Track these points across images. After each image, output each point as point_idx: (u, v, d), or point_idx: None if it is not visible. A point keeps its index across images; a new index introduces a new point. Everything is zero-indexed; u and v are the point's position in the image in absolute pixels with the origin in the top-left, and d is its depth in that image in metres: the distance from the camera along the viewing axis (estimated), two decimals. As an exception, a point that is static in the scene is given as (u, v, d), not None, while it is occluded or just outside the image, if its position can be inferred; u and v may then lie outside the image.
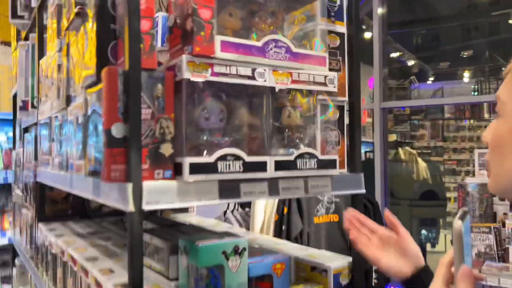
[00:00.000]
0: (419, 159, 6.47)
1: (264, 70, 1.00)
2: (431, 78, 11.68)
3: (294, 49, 1.05)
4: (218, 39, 0.94)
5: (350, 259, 1.19)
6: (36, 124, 1.94)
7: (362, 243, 1.07)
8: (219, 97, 1.00)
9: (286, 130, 1.09)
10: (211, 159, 0.93)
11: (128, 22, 0.86)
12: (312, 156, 1.07)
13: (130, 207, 0.84)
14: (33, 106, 2.06)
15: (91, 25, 1.04)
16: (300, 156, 1.05)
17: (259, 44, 1.00)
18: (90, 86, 1.10)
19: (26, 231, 2.24)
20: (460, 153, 7.50)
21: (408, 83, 9.56)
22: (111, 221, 1.94)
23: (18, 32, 2.67)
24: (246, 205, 3.93)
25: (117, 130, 0.87)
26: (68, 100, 1.39)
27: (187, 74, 0.90)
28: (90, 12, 1.09)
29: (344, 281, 1.15)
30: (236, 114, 1.02)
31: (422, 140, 7.72)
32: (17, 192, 2.63)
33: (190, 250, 0.96)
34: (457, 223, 0.73)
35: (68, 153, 1.32)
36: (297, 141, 1.10)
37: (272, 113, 1.05)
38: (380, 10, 4.39)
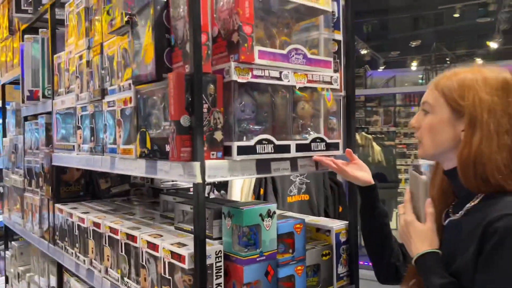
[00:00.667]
0: (374, 144, 6.94)
1: (288, 72, 1.27)
2: (382, 67, 12.31)
3: (309, 55, 1.33)
4: (256, 49, 1.20)
5: (346, 222, 1.50)
6: (50, 113, 2.10)
7: (335, 167, 1.36)
8: (250, 94, 1.26)
9: (300, 120, 1.37)
10: (251, 142, 1.20)
11: (192, 36, 1.10)
12: (322, 140, 1.36)
13: (198, 180, 1.09)
14: (44, 96, 2.21)
15: (145, 33, 1.26)
16: (314, 140, 1.34)
17: (284, 52, 1.27)
18: (140, 83, 1.33)
19: (32, 214, 2.39)
20: (410, 138, 8.09)
21: (363, 71, 10.09)
22: (122, 200, 2.16)
23: (10, 23, 2.76)
24: (222, 188, 4.19)
25: (184, 121, 1.12)
26: (103, 93, 1.59)
27: (234, 77, 1.16)
28: (140, 20, 1.31)
29: (343, 238, 1.46)
30: (264, 107, 1.29)
31: (376, 125, 8.24)
32: (13, 177, 2.74)
33: (234, 214, 1.23)
34: (422, 177, 1.13)
35: (107, 139, 1.54)
36: (308, 128, 1.39)
37: (291, 106, 1.33)
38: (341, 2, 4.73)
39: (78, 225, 1.80)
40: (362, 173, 1.37)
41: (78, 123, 1.79)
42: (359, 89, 9.18)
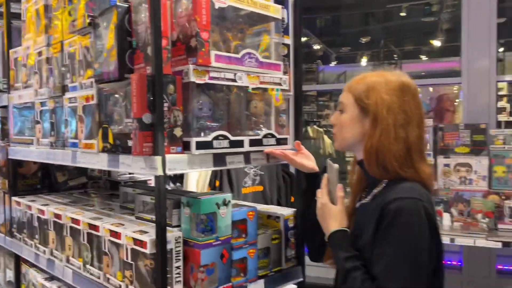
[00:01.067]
0: (325, 136, 7.24)
1: (242, 74, 1.40)
2: (334, 62, 12.67)
3: (261, 59, 1.46)
4: (213, 53, 1.31)
5: (295, 209, 1.65)
6: (5, 106, 2.11)
7: (284, 156, 1.51)
8: (208, 94, 1.38)
9: (253, 117, 1.50)
10: (209, 138, 1.32)
11: (153, 40, 1.20)
12: (272, 135, 1.51)
13: (159, 172, 1.20)
14: (-1, 91, 2.21)
15: (107, 35, 1.34)
16: (265, 136, 1.48)
17: (238, 56, 1.40)
18: (101, 82, 1.41)
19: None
20: (359, 131, 8.46)
21: (315, 66, 10.38)
22: (79, 193, 2.21)
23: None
24: (177, 180, 4.28)
25: (146, 118, 1.22)
26: (64, 89, 1.65)
27: (193, 78, 1.28)
28: (102, 23, 1.39)
29: (291, 224, 1.61)
30: (220, 105, 1.41)
31: (327, 119, 8.56)
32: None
33: (192, 204, 1.34)
34: (335, 165, 1.34)
35: (68, 134, 1.60)
36: (261, 125, 1.52)
37: (244, 105, 1.45)
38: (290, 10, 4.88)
39: (38, 217, 1.84)
40: (308, 162, 1.53)
41: (37, 118, 1.84)
42: (311, 84, 9.49)
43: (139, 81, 1.21)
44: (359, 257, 1.22)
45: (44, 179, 2.25)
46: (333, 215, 1.32)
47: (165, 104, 1.24)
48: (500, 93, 8.53)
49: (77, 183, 2.31)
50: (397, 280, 1.13)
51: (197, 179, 3.84)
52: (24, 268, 2.09)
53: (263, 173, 3.78)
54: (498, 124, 7.88)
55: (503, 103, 8.22)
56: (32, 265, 2.00)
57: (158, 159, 1.20)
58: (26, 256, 1.97)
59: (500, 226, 3.46)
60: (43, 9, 1.75)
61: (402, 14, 11.58)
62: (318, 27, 13.32)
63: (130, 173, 2.59)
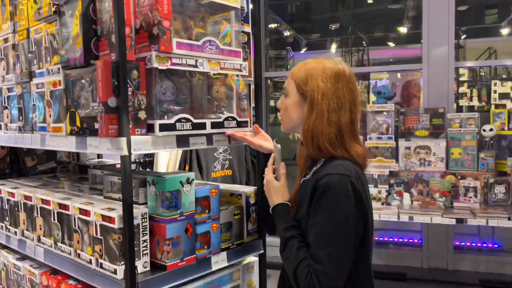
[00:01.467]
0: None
1: (203, 60, 1.49)
2: (304, 48, 12.82)
3: (221, 46, 1.55)
4: (174, 40, 1.40)
5: (255, 187, 1.76)
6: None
7: (243, 138, 1.62)
8: (170, 79, 1.47)
9: (215, 101, 1.60)
10: (172, 121, 1.41)
11: (117, 29, 1.28)
12: (233, 118, 1.61)
13: (125, 152, 1.29)
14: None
15: (73, 23, 1.41)
16: (226, 118, 1.58)
17: (199, 43, 1.49)
18: (67, 68, 1.48)
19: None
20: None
21: (285, 53, 10.49)
22: (49, 177, 2.26)
23: None
24: (147, 166, 4.35)
25: (112, 102, 1.30)
26: (31, 75, 1.70)
27: (155, 64, 1.36)
28: (67, 11, 1.45)
29: (252, 201, 1.73)
30: (183, 90, 1.50)
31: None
32: None
33: (157, 182, 1.44)
34: (278, 146, 1.48)
35: (37, 118, 1.66)
36: (222, 109, 1.62)
37: (206, 89, 1.55)
38: None
39: (8, 200, 1.90)
40: (265, 143, 1.64)
41: (5, 104, 1.88)
42: (281, 70, 9.60)
43: (104, 67, 1.29)
44: (297, 227, 1.35)
45: (13, 164, 2.29)
46: (276, 190, 1.45)
47: (129, 89, 1.32)
48: (462, 78, 8.87)
49: (46, 168, 2.36)
50: (326, 247, 1.25)
51: (166, 165, 3.91)
52: (-5, 250, 2.14)
53: (232, 157, 3.89)
54: (460, 109, 8.21)
55: (464, 89, 8.56)
56: (4, 247, 2.05)
57: (123, 140, 1.29)
58: (-3, 239, 2.02)
59: (455, 204, 3.69)
60: (8, -4, 1.78)
61: (370, 1, 11.80)
62: (289, 14, 13.43)
63: (98, 157, 2.66)
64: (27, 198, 1.78)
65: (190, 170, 3.68)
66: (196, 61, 1.47)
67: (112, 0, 1.30)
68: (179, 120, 1.42)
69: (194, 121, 1.47)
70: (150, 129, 1.38)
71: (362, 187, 1.32)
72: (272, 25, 10.03)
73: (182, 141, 1.45)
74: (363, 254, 1.36)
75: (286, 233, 1.35)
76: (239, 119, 1.63)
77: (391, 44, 12.67)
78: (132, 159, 3.42)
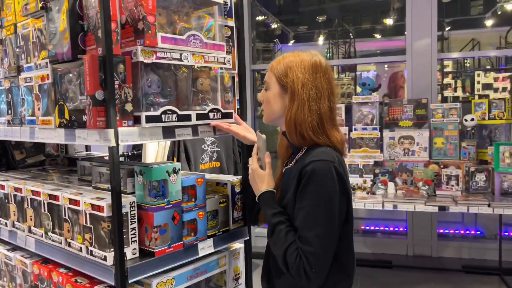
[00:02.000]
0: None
1: (187, 54, 1.54)
2: (292, 41, 12.85)
3: (205, 40, 1.60)
4: (159, 35, 1.45)
5: (240, 176, 1.83)
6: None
7: (228, 129, 1.68)
8: (156, 72, 1.51)
9: (200, 94, 1.65)
10: (158, 112, 1.46)
11: (103, 24, 1.32)
12: (218, 110, 1.66)
13: (113, 143, 1.34)
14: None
15: (60, 18, 1.45)
16: (211, 110, 1.64)
17: (183, 37, 1.53)
18: (55, 62, 1.52)
19: None
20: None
21: (273, 46, 10.51)
22: (38, 170, 2.30)
23: None
24: (136, 158, 4.38)
25: (99, 95, 1.35)
26: (19, 69, 1.74)
27: (141, 58, 1.41)
28: (54, 7, 1.49)
29: (237, 190, 1.79)
30: (168, 83, 1.55)
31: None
32: None
33: (145, 172, 1.49)
34: (263, 136, 1.52)
35: (25, 112, 1.70)
36: (207, 101, 1.68)
37: (191, 82, 1.60)
38: None
39: (-2, 193, 1.94)
40: (249, 134, 1.70)
41: (-7, 97, 1.91)
42: (268, 63, 9.64)
43: (91, 61, 1.33)
44: (284, 212, 1.42)
45: (1, 158, 2.32)
46: (261, 178, 1.50)
47: (116, 82, 1.37)
48: (446, 70, 9.02)
49: (35, 161, 2.39)
50: (314, 228, 1.32)
51: (155, 158, 3.95)
52: (-14, 242, 2.17)
53: (219, 149, 3.94)
54: (445, 100, 8.34)
55: (448, 80, 8.70)
56: (-6, 239, 2.09)
57: (111, 131, 1.34)
58: (-13, 231, 2.06)
59: (438, 192, 3.80)
60: (-6, -8, 1.81)
61: (356, -7, 11.85)
62: (277, 6, 13.44)
63: (87, 150, 2.69)
64: (17, 190, 1.82)
65: (178, 162, 3.72)
66: (181, 54, 1.52)
67: (98, -4, 1.34)
68: (164, 112, 1.48)
69: (180, 113, 1.52)
70: (136, 121, 1.43)
71: (344, 171, 1.39)
72: (260, 18, 10.04)
73: (168, 132, 1.51)
74: (346, 231, 1.43)
75: (274, 219, 1.41)
76: (223, 111, 1.69)
77: (377, 36, 12.76)
78: (120, 152, 3.46)
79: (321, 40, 13.31)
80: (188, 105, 1.59)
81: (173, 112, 1.50)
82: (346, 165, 1.47)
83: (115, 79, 1.37)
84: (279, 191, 1.51)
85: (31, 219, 1.77)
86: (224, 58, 1.67)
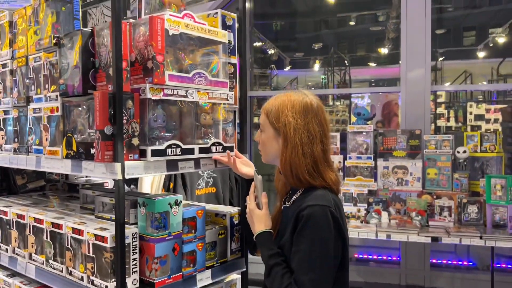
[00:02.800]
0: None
1: (193, 91, 1.61)
2: (288, 67, 13.06)
3: (210, 78, 1.68)
4: (167, 73, 1.52)
5: (239, 208, 1.87)
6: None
7: (229, 163, 1.74)
8: (162, 107, 1.58)
9: (203, 128, 1.72)
10: (162, 146, 1.52)
11: (115, 63, 1.39)
12: (220, 144, 1.73)
13: (119, 177, 1.39)
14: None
15: (73, 55, 1.52)
16: (213, 144, 1.70)
17: (189, 75, 1.61)
18: (66, 95, 1.58)
19: None
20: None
21: (270, 71, 10.69)
22: (38, 195, 2.33)
23: None
24: (132, 182, 4.41)
25: (108, 130, 1.40)
26: (28, 100, 1.80)
27: (149, 95, 1.47)
28: (67, 44, 1.56)
29: (236, 221, 1.84)
30: (173, 117, 1.61)
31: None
32: None
33: (148, 204, 1.54)
34: (259, 176, 1.59)
35: (32, 141, 1.75)
36: (209, 134, 1.74)
37: (195, 117, 1.67)
38: (248, 4, 5.11)
39: (0, 218, 1.96)
40: (248, 169, 1.76)
41: (0, 125, 1.96)
42: (265, 88, 9.80)
43: (102, 98, 1.39)
44: (281, 254, 1.45)
45: (2, 182, 2.35)
46: (259, 218, 1.54)
47: (124, 117, 1.43)
48: (439, 100, 9.19)
49: (35, 186, 2.43)
50: (309, 272, 1.36)
51: (151, 182, 3.98)
52: (-16, 267, 2.19)
53: (216, 175, 3.98)
54: (438, 129, 8.47)
55: (441, 110, 8.86)
56: (-7, 264, 2.10)
57: (118, 165, 1.39)
58: (-13, 255, 2.08)
59: (431, 223, 3.85)
60: (8, 25, 1.88)
61: (351, 23, 12.15)
62: (274, 32, 13.69)
63: (86, 176, 2.73)
64: (20, 216, 1.85)
65: (175, 187, 3.76)
66: (187, 91, 1.59)
67: (111, 36, 1.41)
68: (169, 146, 1.53)
69: (183, 146, 1.58)
70: (142, 154, 1.49)
71: (340, 215, 1.44)
72: (257, 44, 10.23)
73: (171, 165, 1.56)
74: (342, 276, 1.46)
75: (271, 260, 1.44)
76: (225, 144, 1.75)
77: (372, 64, 13.01)
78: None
79: (316, 66, 13.55)
80: (192, 138, 1.65)
81: (177, 146, 1.56)
82: (342, 204, 1.51)
83: (123, 114, 1.43)
84: (277, 230, 1.54)
85: (32, 246, 1.79)
86: (227, 94, 1.75)
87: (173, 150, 1.54)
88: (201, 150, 1.65)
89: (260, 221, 1.54)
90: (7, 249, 1.93)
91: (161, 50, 1.49)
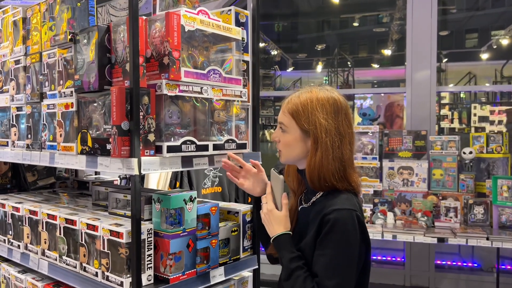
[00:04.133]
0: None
1: (207, 88, 1.61)
2: (291, 68, 13.07)
3: (224, 75, 1.68)
4: (183, 69, 1.52)
5: (250, 205, 1.87)
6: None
7: (233, 178, 1.70)
8: (176, 103, 1.58)
9: (216, 125, 1.72)
10: (178, 143, 1.52)
11: (132, 59, 1.39)
12: (233, 141, 1.73)
13: (136, 172, 1.39)
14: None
15: (88, 50, 1.52)
16: (227, 141, 1.70)
17: (204, 72, 1.61)
18: (81, 91, 1.59)
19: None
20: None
21: (273, 72, 10.70)
22: (49, 192, 2.34)
23: None
24: (138, 181, 4.37)
25: (124, 125, 1.41)
26: (42, 96, 1.80)
27: (165, 91, 1.48)
28: (83, 39, 1.56)
29: (248, 218, 1.84)
30: (187, 114, 1.62)
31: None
32: None
33: (162, 200, 1.54)
34: (280, 177, 1.52)
35: (46, 137, 1.75)
36: (223, 131, 1.74)
37: (209, 114, 1.67)
38: (251, 4, 5.11)
39: (12, 214, 1.97)
40: (259, 189, 1.68)
41: (13, 121, 1.96)
42: (268, 89, 9.81)
43: (119, 93, 1.40)
44: (302, 257, 1.42)
45: (13, 179, 2.35)
46: (279, 220, 1.49)
47: (141, 113, 1.44)
48: (443, 101, 9.19)
49: (45, 183, 2.43)
50: (335, 277, 1.33)
51: (157, 180, 3.98)
52: (-6, 263, 2.19)
53: (221, 174, 3.98)
54: (441, 131, 8.47)
55: (445, 111, 8.86)
56: (5, 260, 2.10)
57: (134, 160, 1.39)
58: (-2, 252, 2.08)
59: (436, 223, 3.85)
60: (22, 21, 1.88)
61: (355, 24, 12.15)
62: (276, 33, 13.71)
63: (96, 174, 2.74)
64: (33, 213, 1.85)
65: (181, 186, 3.76)
66: (201, 88, 1.59)
67: (128, 32, 1.42)
68: (184, 142, 1.54)
69: (198, 143, 1.58)
70: (157, 150, 1.49)
71: (363, 219, 1.41)
72: (260, 44, 10.23)
73: (186, 161, 1.56)
74: (363, 281, 1.45)
75: (292, 264, 1.40)
76: (238, 141, 1.75)
77: (375, 65, 13.01)
78: (122, 174, 3.49)
79: (319, 67, 13.56)
80: (206, 135, 1.65)
81: (192, 142, 1.56)
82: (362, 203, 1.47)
83: (140, 110, 1.43)
84: (294, 232, 1.51)
85: (45, 242, 1.80)
86: (241, 91, 1.75)
87: (188, 147, 1.55)
88: (215, 147, 1.65)
89: (280, 222, 1.49)
90: (19, 245, 1.93)
91: (177, 46, 1.49)
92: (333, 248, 1.35)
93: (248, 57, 1.87)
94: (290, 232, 1.49)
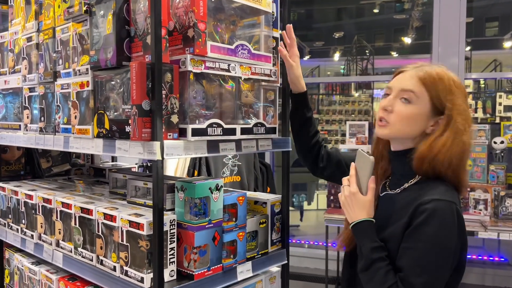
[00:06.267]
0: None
1: (235, 65, 1.46)
2: (308, 56, 12.82)
3: (253, 51, 1.52)
4: (209, 44, 1.37)
5: (280, 196, 1.73)
6: (-11, 92, 2.09)
7: (284, 55, 1.60)
8: (201, 82, 1.43)
9: (244, 107, 1.57)
10: (204, 125, 1.38)
11: (154, 30, 1.25)
12: (262, 125, 1.57)
13: (158, 157, 1.25)
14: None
15: (105, 23, 1.38)
16: (255, 125, 1.55)
17: (232, 47, 1.45)
18: (97, 68, 1.45)
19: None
20: (331, 125, 8.64)
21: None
22: (64, 179, 2.22)
23: None
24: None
25: (145, 105, 1.26)
26: (55, 75, 1.67)
27: (190, 67, 1.33)
28: (99, 11, 1.42)
29: (277, 210, 1.69)
30: (213, 94, 1.47)
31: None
32: None
33: (186, 188, 1.40)
34: (371, 157, 1.31)
35: (60, 120, 1.62)
36: (250, 114, 1.59)
37: (237, 94, 1.52)
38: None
39: (25, 202, 1.85)
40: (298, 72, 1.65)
41: (25, 104, 1.84)
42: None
43: (139, 69, 1.25)
44: (384, 248, 1.26)
45: (27, 166, 2.24)
46: (362, 204, 1.31)
47: (163, 92, 1.29)
48: (467, 90, 8.90)
49: (60, 170, 2.32)
50: (423, 275, 1.17)
51: (175, 169, 3.86)
52: (7, 253, 2.09)
53: (240, 163, 3.85)
54: (464, 120, 8.19)
55: (469, 100, 8.58)
56: (18, 250, 2.00)
57: (157, 144, 1.25)
58: (11, 241, 1.97)
59: (465, 216, 3.65)
60: (33, -5, 1.75)
61: (375, 10, 11.84)
62: (292, 21, 13.44)
63: (113, 160, 2.62)
64: (46, 201, 1.73)
65: (199, 175, 3.64)
66: (229, 65, 1.44)
67: (149, 0, 1.27)
68: (210, 125, 1.39)
69: (225, 126, 1.44)
70: (181, 133, 1.35)
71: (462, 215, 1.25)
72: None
73: (212, 146, 1.42)
74: (454, 280, 1.28)
75: (374, 254, 1.24)
76: (267, 125, 1.60)
77: (394, 54, 12.70)
78: (139, 162, 3.37)
79: (336, 56, 13.28)
80: (232, 118, 1.51)
81: (219, 125, 1.42)
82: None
83: (162, 88, 1.29)
84: (375, 218, 1.33)
85: (59, 233, 1.68)
86: (271, 70, 1.59)
87: (214, 130, 1.40)
88: (243, 131, 1.50)
89: (363, 207, 1.31)
90: (32, 235, 1.81)
91: (203, 17, 1.34)
92: (426, 242, 1.18)
93: (277, 33, 1.71)
94: (373, 220, 1.32)
